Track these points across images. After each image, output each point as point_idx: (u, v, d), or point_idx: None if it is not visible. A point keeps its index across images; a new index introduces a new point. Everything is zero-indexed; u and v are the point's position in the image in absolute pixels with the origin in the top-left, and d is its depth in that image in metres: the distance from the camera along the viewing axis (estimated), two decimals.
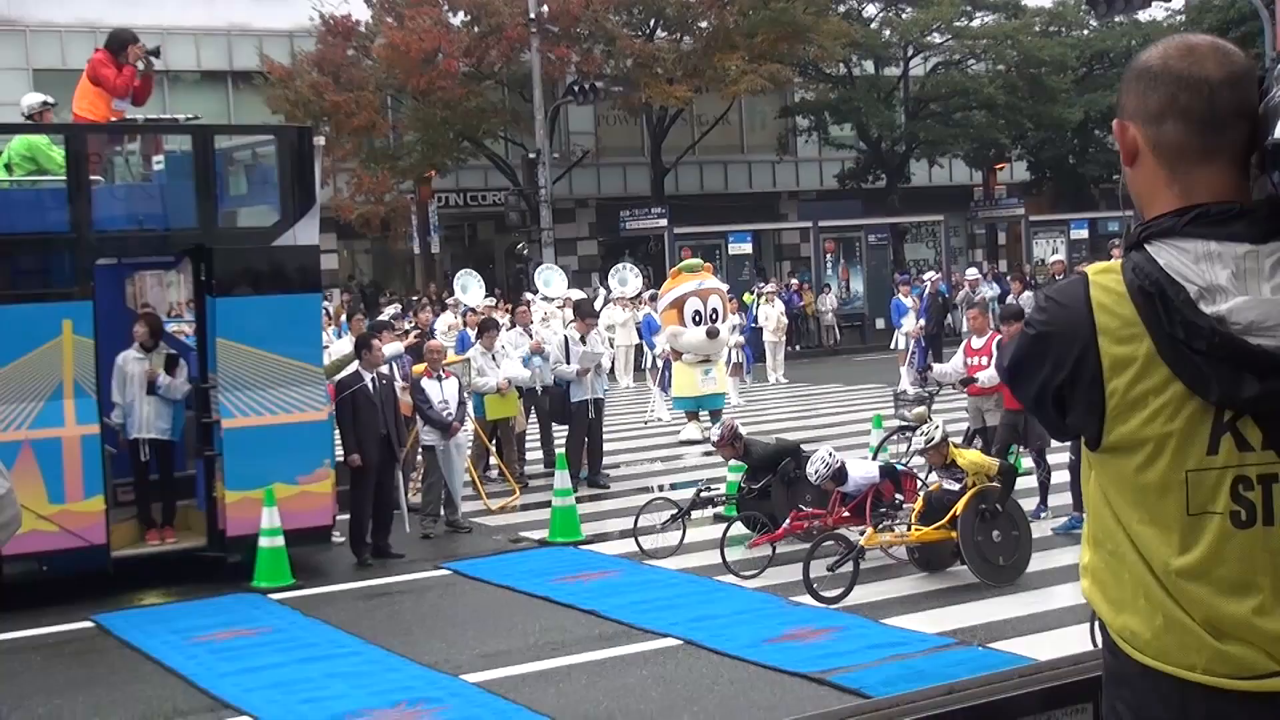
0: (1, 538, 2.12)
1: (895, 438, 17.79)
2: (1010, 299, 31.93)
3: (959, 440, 14.51)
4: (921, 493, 13.28)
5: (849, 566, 12.00)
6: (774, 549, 13.19)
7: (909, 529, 12.70)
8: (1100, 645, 2.76)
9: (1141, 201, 2.69)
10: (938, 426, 12.97)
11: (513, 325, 20.40)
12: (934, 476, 13.22)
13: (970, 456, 12.90)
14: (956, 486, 12.57)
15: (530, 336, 19.51)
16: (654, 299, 29.80)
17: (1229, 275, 2.52)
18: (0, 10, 42.67)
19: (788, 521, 13.39)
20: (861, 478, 13.46)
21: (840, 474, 13.32)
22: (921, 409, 17.08)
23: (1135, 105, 2.65)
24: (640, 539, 14.28)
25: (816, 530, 13.15)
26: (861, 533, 12.70)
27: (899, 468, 14.11)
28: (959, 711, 3.35)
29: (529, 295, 28.79)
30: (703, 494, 14.89)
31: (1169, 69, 2.60)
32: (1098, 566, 2.70)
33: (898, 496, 13.52)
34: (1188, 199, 2.60)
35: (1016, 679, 3.62)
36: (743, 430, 15.22)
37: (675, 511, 14.45)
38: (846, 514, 13.33)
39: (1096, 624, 2.76)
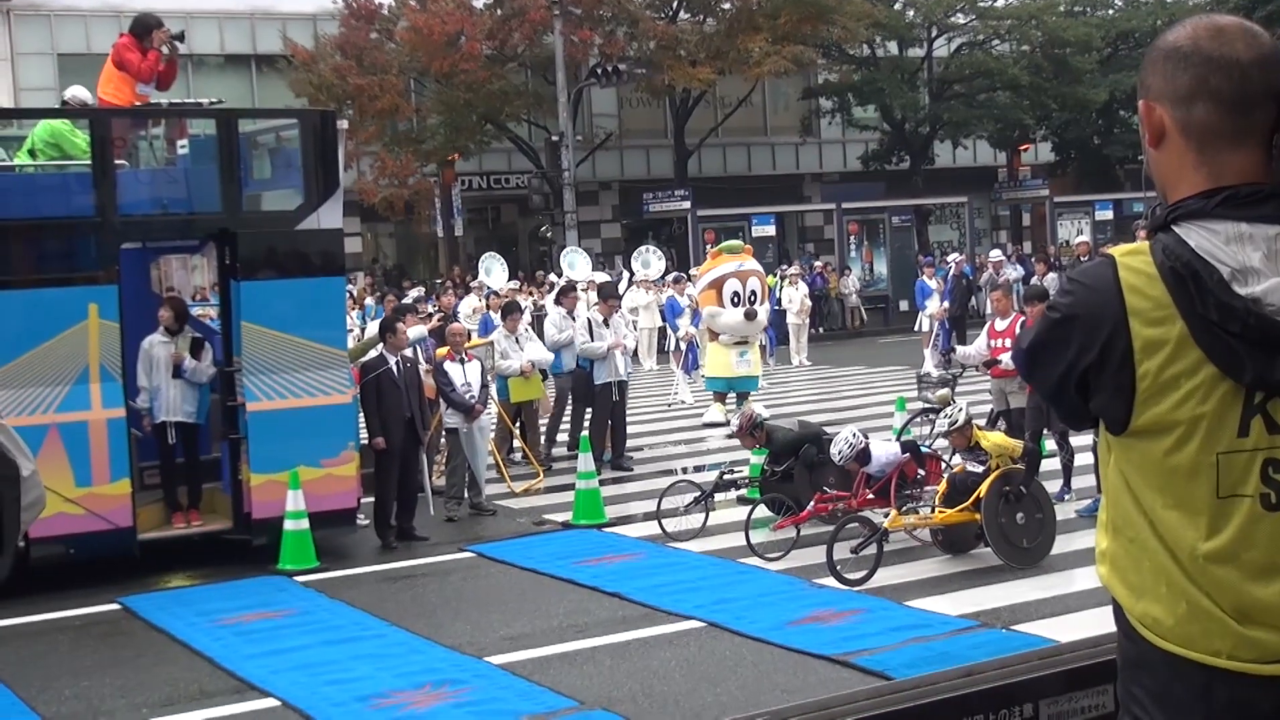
0: (26, 519, 2.14)
1: (919, 420, 17.75)
2: (1035, 280, 31.87)
3: (982, 422, 14.50)
4: (946, 474, 13.28)
5: (873, 549, 12.02)
6: (799, 531, 13.20)
7: (933, 511, 12.70)
8: (1118, 631, 2.74)
9: (1166, 183, 2.67)
10: (961, 409, 12.96)
11: (535, 311, 20.39)
12: (958, 459, 13.19)
13: (994, 439, 12.89)
14: (980, 469, 12.55)
15: (574, 320, 19.41)
16: (677, 281, 29.81)
17: (1261, 257, 2.51)
18: None
19: (812, 504, 13.38)
20: (885, 458, 13.43)
21: (864, 454, 13.30)
22: (945, 391, 17.04)
23: (1162, 86, 2.63)
24: (664, 522, 14.31)
25: (841, 512, 13.15)
26: (886, 515, 12.69)
27: (924, 449, 14.07)
28: (978, 693, 3.35)
29: (576, 279, 28.73)
30: (725, 477, 14.88)
31: (1199, 49, 2.58)
32: (1117, 553, 2.68)
33: (920, 473, 13.49)
34: (1216, 181, 2.58)
35: (1036, 661, 3.63)
36: (765, 415, 15.21)
37: (698, 494, 14.46)
38: (871, 495, 13.31)
39: (1114, 609, 2.75)
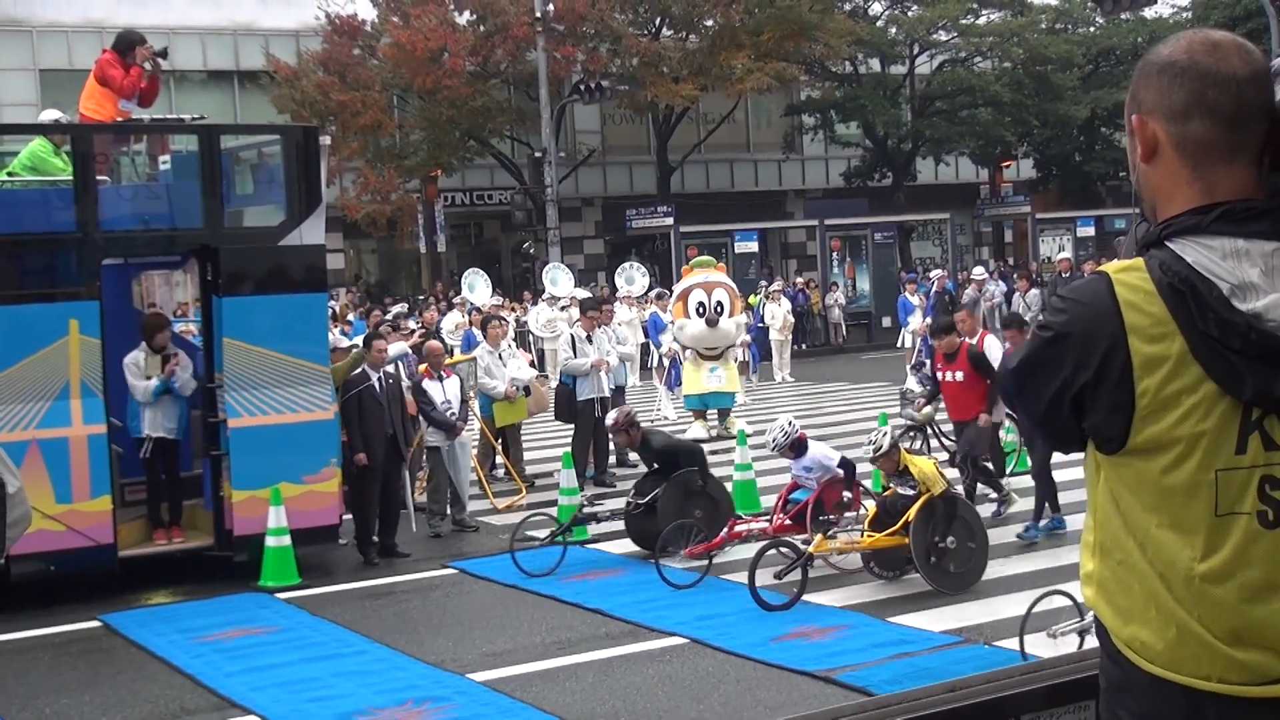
0: (12, 535, 2.14)
1: (903, 437, 17.65)
2: (1017, 296, 31.96)
3: (918, 444, 14.42)
4: (867, 502, 13.16)
5: (797, 574, 11.73)
6: (711, 559, 12.83)
7: (861, 535, 12.43)
8: (1101, 653, 2.72)
9: (1157, 198, 2.65)
10: (886, 434, 12.65)
11: (518, 327, 20.40)
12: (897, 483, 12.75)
13: (922, 465, 12.48)
14: (911, 492, 12.29)
15: (613, 335, 19.49)
16: (660, 298, 29.87)
17: (1259, 273, 2.49)
18: (7, 10, 42.72)
19: (725, 530, 13.02)
20: (818, 458, 13.11)
21: (799, 445, 13.07)
22: (930, 409, 16.95)
23: (1156, 100, 2.61)
24: (517, 556, 13.62)
25: (757, 538, 12.86)
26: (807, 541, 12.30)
27: (854, 466, 13.52)
28: (961, 709, 3.35)
29: (559, 295, 28.76)
30: (585, 509, 14.42)
31: (1196, 64, 2.56)
32: (1104, 575, 2.65)
33: (845, 494, 13.15)
34: (1210, 196, 2.56)
35: (1019, 676, 3.62)
36: (641, 418, 14.71)
37: (554, 528, 14.10)
38: (789, 521, 12.97)
39: (1094, 630, 2.73)
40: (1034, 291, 31.81)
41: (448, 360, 17.47)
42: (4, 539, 2.13)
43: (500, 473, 18.89)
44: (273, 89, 42.91)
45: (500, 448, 18.62)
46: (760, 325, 33.29)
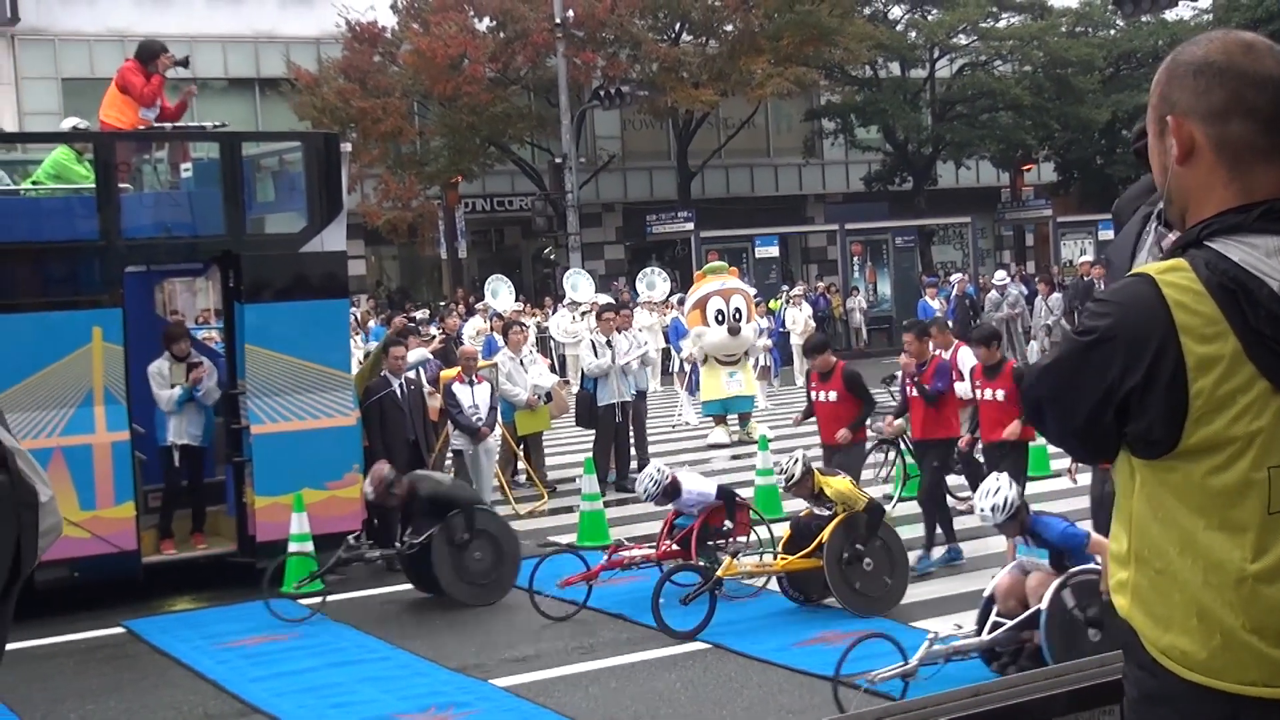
0: (43, 544, 2.15)
1: (874, 450, 16.65)
2: (1038, 300, 31.89)
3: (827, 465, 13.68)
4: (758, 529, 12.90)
5: (705, 597, 11.41)
6: (590, 588, 12.28)
7: (775, 557, 12.07)
8: (1131, 663, 2.68)
9: (1190, 199, 2.63)
10: (796, 460, 11.92)
11: (539, 332, 20.40)
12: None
13: (837, 486, 11.90)
14: (826, 513, 11.85)
15: (635, 339, 19.49)
16: (681, 303, 29.86)
17: None
18: (29, 19, 42.86)
19: (605, 558, 12.47)
20: (696, 494, 12.57)
21: (672, 489, 12.49)
22: (900, 422, 15.69)
23: (1191, 101, 2.60)
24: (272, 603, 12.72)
25: (640, 564, 12.52)
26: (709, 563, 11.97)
27: (738, 497, 12.92)
28: (986, 713, 3.35)
29: (580, 300, 28.75)
30: (348, 551, 13.16)
31: (1234, 65, 2.56)
32: (1140, 584, 2.62)
33: (727, 523, 12.54)
34: (1248, 196, 2.56)
35: (1043, 681, 3.62)
36: (404, 477, 13.20)
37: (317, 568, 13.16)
38: (675, 546, 12.47)
39: (1126, 642, 2.69)
40: (1055, 295, 31.74)
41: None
42: (36, 548, 2.14)
43: (522, 478, 18.91)
44: (293, 96, 42.99)
45: (522, 453, 18.63)
46: (781, 330, 33.26)
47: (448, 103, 42.85)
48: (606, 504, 16.42)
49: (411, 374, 15.45)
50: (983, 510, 10.00)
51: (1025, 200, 54.92)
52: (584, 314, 27.29)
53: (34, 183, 14.40)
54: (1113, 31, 52.71)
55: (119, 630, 12.55)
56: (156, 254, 14.91)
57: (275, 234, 15.25)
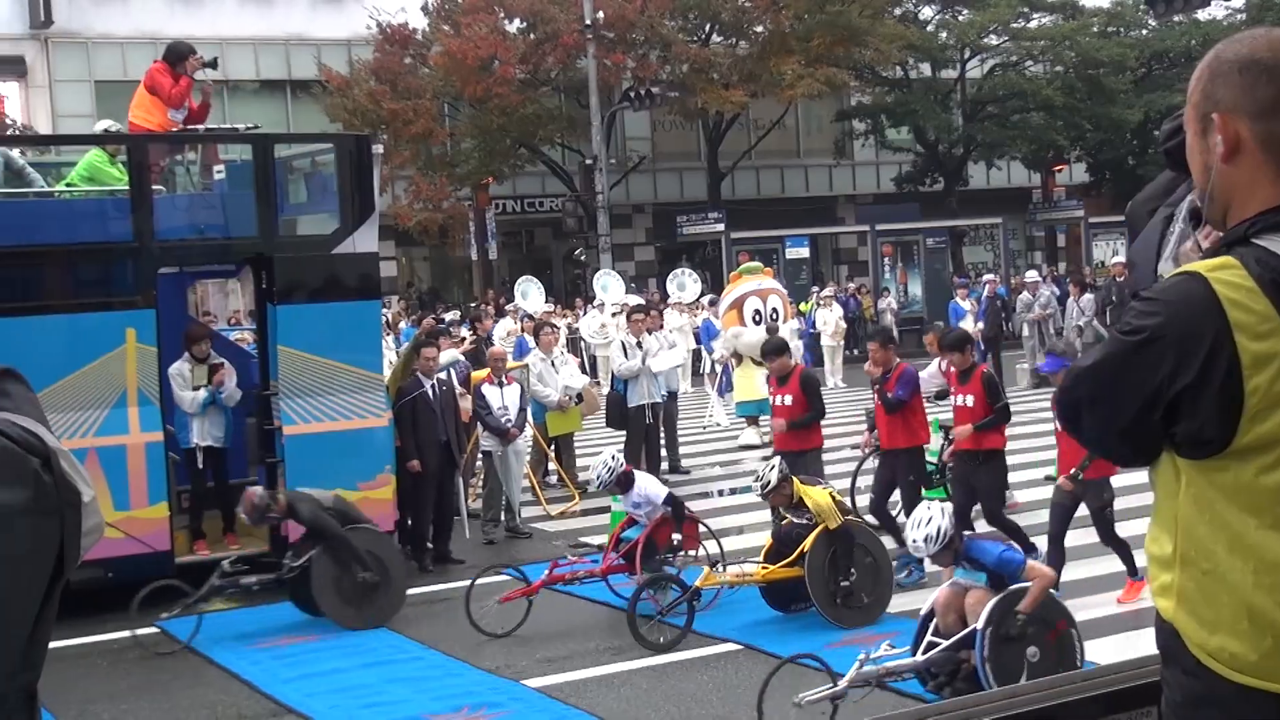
0: (85, 545, 2.16)
1: (871, 455, 15.76)
2: (1070, 302, 31.75)
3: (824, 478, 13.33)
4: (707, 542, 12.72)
5: (682, 609, 11.33)
6: (530, 604, 12.01)
7: (757, 567, 11.88)
8: (1173, 666, 2.65)
9: (1234, 197, 2.61)
10: (773, 467, 11.88)
11: (569, 334, 20.42)
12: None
13: (817, 497, 11.66)
14: (805, 522, 11.64)
15: (665, 340, 19.51)
16: (712, 304, 29.84)
17: None
18: (62, 22, 43.07)
19: (546, 572, 12.24)
20: (647, 493, 12.38)
21: (625, 480, 12.40)
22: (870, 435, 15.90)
23: (1238, 98, 2.58)
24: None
25: (583, 579, 12.37)
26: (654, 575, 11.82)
27: (687, 509, 12.69)
28: (1021, 715, 3.33)
29: (609, 302, 28.77)
30: (223, 576, 12.52)
31: None
32: (1186, 587, 2.58)
33: (675, 537, 12.31)
34: None
35: (1079, 683, 3.60)
36: (280, 495, 12.84)
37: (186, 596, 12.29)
38: (620, 561, 12.31)
39: (1168, 646, 2.66)
40: (1087, 296, 31.58)
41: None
42: (79, 548, 2.15)
43: (553, 479, 18.92)
44: (325, 98, 43.09)
45: (553, 454, 18.65)
46: (812, 331, 33.23)
47: (478, 104, 42.90)
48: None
49: (443, 375, 15.48)
50: (914, 541, 9.56)
51: (1057, 201, 54.68)
52: (614, 314, 27.30)
53: (68, 185, 14.48)
54: (1145, 31, 52.44)
55: (153, 630, 12.57)
56: (189, 255, 14.98)
57: (307, 235, 15.30)
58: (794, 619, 11.73)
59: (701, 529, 12.80)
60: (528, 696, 10.16)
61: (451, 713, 9.84)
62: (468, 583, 12.32)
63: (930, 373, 15.41)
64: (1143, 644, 9.40)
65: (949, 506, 10.06)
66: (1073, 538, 14.04)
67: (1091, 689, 3.50)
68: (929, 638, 9.34)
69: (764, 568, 11.77)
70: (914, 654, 9.28)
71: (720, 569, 12.02)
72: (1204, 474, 2.54)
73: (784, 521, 11.88)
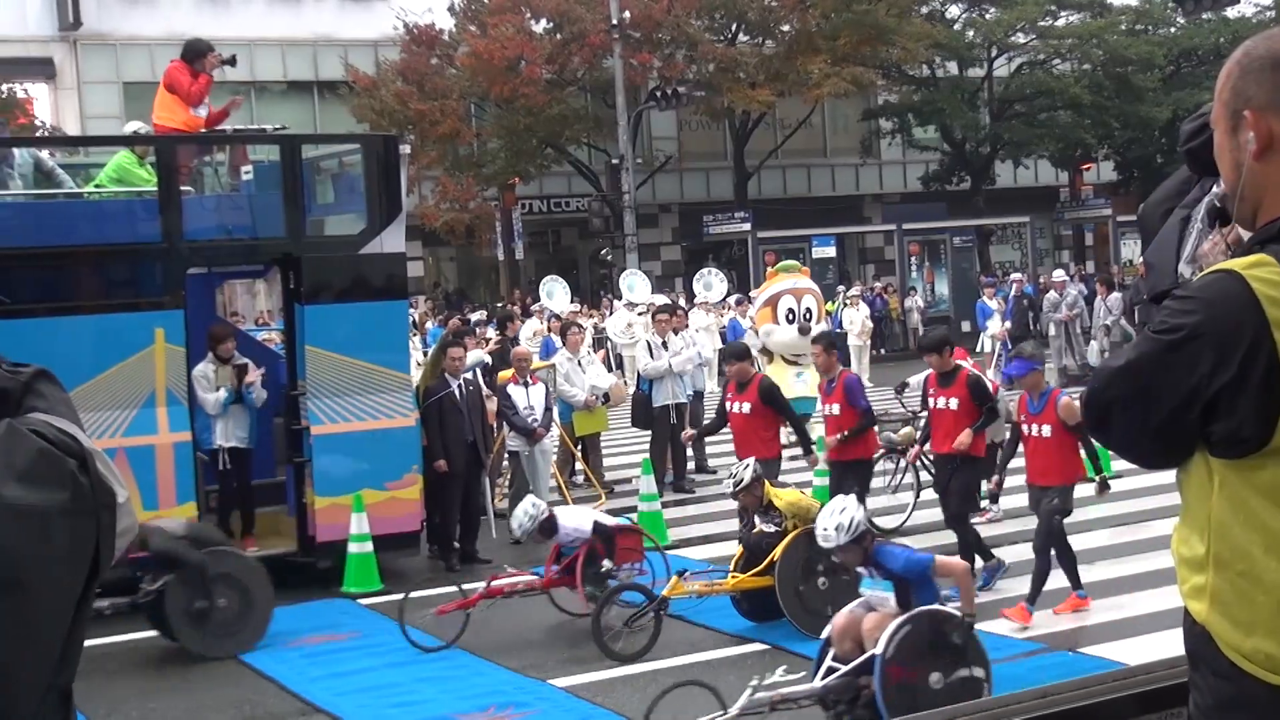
0: (119, 545, 2.17)
1: (882, 458, 15.76)
2: (1098, 301, 31.66)
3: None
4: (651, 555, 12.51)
5: (649, 618, 11.20)
6: (468, 617, 11.78)
7: (726, 576, 11.74)
8: (1203, 669, 2.62)
9: (1266, 194, 2.60)
10: (747, 466, 11.66)
11: (596, 333, 20.44)
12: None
13: (788, 497, 11.51)
14: (775, 529, 11.47)
15: (691, 339, 19.52)
16: (739, 304, 29.80)
17: None
18: (90, 24, 43.25)
19: (485, 585, 12.03)
20: (574, 529, 12.14)
21: (548, 526, 12.11)
22: (909, 430, 15.69)
23: (1270, 96, 2.57)
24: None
25: (522, 593, 12.19)
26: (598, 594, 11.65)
27: (612, 528, 12.44)
28: (1055, 715, 3.32)
29: (637, 302, 28.74)
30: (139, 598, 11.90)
31: None
32: (1220, 589, 2.56)
33: (605, 562, 12.06)
34: None
35: (1111, 682, 3.59)
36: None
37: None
38: (560, 575, 12.18)
39: (1197, 648, 2.63)
40: (1115, 295, 31.49)
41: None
42: (113, 549, 2.16)
43: (580, 479, 18.94)
44: (352, 99, 43.20)
45: (580, 454, 18.66)
46: (839, 330, 33.20)
47: (505, 104, 42.96)
48: (664, 504, 16.41)
49: (469, 375, 15.50)
50: (824, 530, 9.19)
51: (1084, 200, 54.52)
52: (640, 313, 27.32)
53: (97, 186, 14.54)
54: (1173, 29, 52.23)
55: None
56: (218, 256, 15.02)
57: (335, 236, 15.32)
58: None
59: (645, 541, 12.64)
60: (554, 696, 10.16)
61: (478, 712, 9.85)
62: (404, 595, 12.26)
63: (918, 382, 15.06)
64: (1171, 645, 9.35)
65: (859, 503, 9.75)
66: (1096, 539, 14.07)
67: (1124, 689, 3.49)
68: (828, 663, 9.07)
69: (734, 576, 11.63)
70: (813, 680, 9.02)
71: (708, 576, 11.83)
72: (1239, 473, 2.51)
73: (754, 530, 11.69)
